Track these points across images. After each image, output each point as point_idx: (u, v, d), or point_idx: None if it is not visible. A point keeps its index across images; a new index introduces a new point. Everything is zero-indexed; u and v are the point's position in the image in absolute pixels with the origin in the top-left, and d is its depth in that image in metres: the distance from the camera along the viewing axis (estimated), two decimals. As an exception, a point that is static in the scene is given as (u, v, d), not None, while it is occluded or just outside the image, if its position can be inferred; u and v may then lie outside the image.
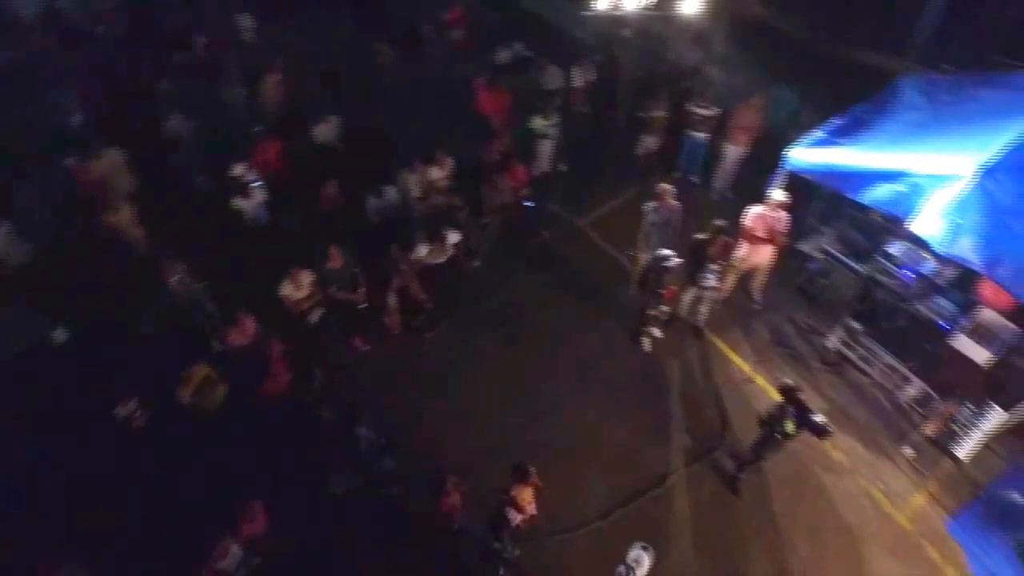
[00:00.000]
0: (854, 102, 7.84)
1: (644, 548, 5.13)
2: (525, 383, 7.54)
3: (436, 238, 7.79)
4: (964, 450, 7.01)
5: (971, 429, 6.93)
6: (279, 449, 6.69)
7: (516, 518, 5.55)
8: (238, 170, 8.45)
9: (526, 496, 5.57)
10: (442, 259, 7.95)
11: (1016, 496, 6.84)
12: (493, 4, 11.80)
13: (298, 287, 7.40)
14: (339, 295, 7.59)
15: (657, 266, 7.12)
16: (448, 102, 10.10)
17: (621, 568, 5.15)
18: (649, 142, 10.09)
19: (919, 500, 6.88)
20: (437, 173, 8.62)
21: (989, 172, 6.08)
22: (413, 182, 8.68)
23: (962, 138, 6.62)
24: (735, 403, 7.50)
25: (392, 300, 7.87)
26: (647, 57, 10.42)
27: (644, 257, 7.71)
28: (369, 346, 7.94)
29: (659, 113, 9.76)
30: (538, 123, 9.59)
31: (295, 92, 10.25)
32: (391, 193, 8.77)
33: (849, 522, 6.65)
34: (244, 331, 7.05)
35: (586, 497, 6.63)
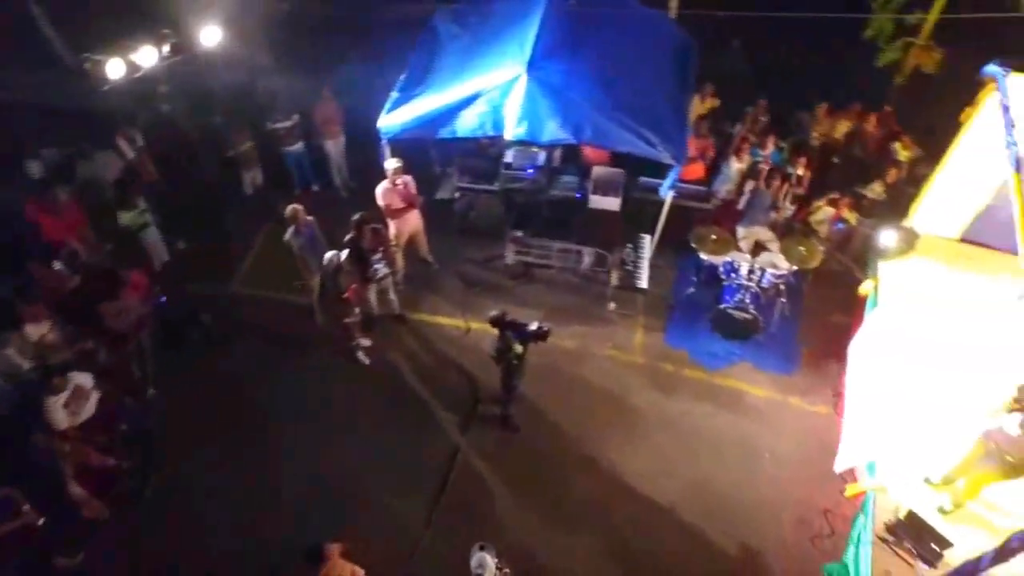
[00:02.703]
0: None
1: (482, 547, 4.93)
2: (272, 465, 6.72)
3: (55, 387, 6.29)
4: (643, 280, 8.21)
5: (638, 261, 8.15)
6: None
7: None
8: None
9: (342, 571, 5.01)
10: (92, 411, 6.50)
11: (692, 290, 8.29)
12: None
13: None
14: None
15: (328, 275, 6.83)
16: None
17: None
18: (252, 175, 9.53)
19: (639, 337, 7.95)
20: (36, 329, 6.95)
21: (532, 65, 6.94)
22: (14, 355, 6.92)
23: (502, 48, 7.42)
24: (467, 357, 7.68)
25: (77, 491, 6.30)
26: (201, 100, 9.64)
27: (314, 281, 7.33)
28: (82, 553, 6.30)
29: (246, 144, 9.20)
30: (127, 217, 8.25)
31: None
32: (-7, 381, 6.91)
33: (609, 389, 7.41)
34: None
35: (402, 520, 6.30)
